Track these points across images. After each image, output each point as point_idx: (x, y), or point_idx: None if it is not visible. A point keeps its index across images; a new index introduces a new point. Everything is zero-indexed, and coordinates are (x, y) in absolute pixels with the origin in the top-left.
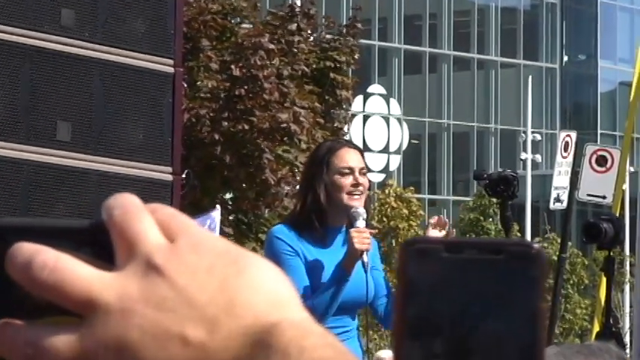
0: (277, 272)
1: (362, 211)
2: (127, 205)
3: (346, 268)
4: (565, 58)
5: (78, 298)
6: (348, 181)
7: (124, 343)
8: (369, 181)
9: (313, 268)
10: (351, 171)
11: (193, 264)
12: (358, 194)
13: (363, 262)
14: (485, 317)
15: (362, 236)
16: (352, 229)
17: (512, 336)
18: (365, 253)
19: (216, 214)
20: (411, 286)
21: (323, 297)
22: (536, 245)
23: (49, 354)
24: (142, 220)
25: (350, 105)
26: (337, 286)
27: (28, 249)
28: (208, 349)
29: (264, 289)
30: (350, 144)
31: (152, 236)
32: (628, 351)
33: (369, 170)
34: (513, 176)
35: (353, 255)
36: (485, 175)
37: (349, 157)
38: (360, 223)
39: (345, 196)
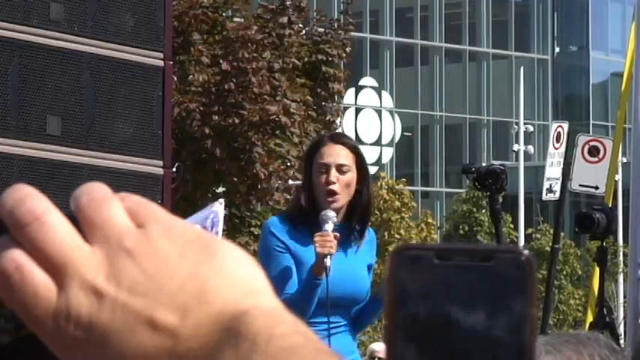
0: (248, 259)
1: (331, 214)
2: (94, 192)
3: (314, 272)
4: (557, 50)
5: (54, 259)
6: (322, 179)
7: (92, 322)
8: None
9: (301, 264)
10: (326, 168)
11: (164, 249)
12: (335, 195)
13: (325, 267)
14: (477, 323)
15: (325, 240)
16: (317, 233)
17: (503, 341)
18: (328, 257)
19: (219, 207)
20: (403, 292)
21: (297, 299)
22: (525, 252)
23: (28, 293)
24: (111, 206)
25: (342, 98)
26: (309, 289)
27: (23, 191)
28: (177, 334)
29: (235, 275)
30: (335, 138)
31: (121, 221)
32: (622, 341)
33: None
34: (501, 169)
35: (317, 259)
36: (473, 169)
37: (327, 153)
38: (329, 226)
39: (321, 197)
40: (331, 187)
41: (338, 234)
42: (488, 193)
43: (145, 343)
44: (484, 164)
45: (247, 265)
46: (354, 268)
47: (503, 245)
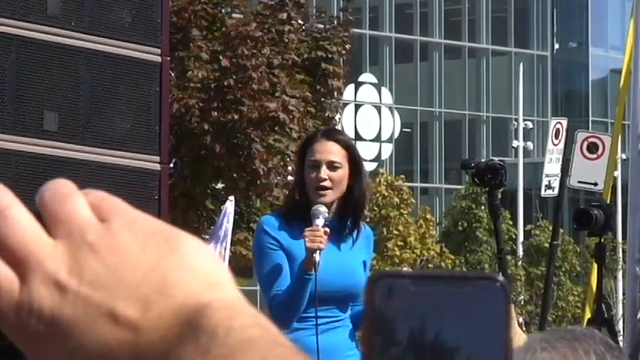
0: (210, 252)
1: (322, 209)
2: (58, 188)
3: (304, 267)
4: (556, 46)
5: (16, 253)
6: (313, 175)
7: (54, 315)
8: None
9: (296, 260)
10: (317, 164)
11: (125, 243)
12: (324, 190)
13: (314, 262)
14: (453, 349)
15: (314, 234)
16: (307, 228)
17: None
18: (318, 252)
19: (229, 204)
20: (379, 319)
21: (288, 294)
22: (500, 278)
23: None
24: (74, 201)
25: (341, 94)
26: (299, 284)
27: None
28: (139, 328)
29: (197, 268)
30: (327, 134)
31: (84, 215)
32: (621, 338)
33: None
34: (500, 165)
35: (307, 254)
36: (472, 165)
37: (318, 149)
38: (319, 221)
39: (313, 192)
40: (322, 183)
41: (328, 229)
42: (487, 189)
43: (106, 336)
44: (483, 160)
45: (209, 258)
46: (348, 262)
47: (479, 272)
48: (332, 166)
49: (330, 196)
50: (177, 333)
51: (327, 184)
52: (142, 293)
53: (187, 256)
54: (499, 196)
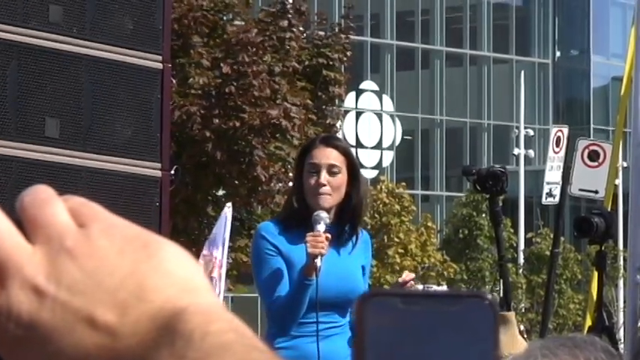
0: (188, 257)
1: (324, 215)
2: (37, 193)
3: (305, 273)
4: (557, 54)
5: None
6: (312, 180)
7: (35, 323)
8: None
9: (293, 266)
10: (317, 169)
11: (103, 248)
12: (322, 195)
13: (315, 267)
14: None
15: (316, 240)
16: (308, 234)
17: None
18: (319, 257)
19: (227, 211)
20: (369, 338)
21: (288, 300)
22: (489, 296)
23: None
24: (53, 206)
25: (342, 101)
26: (299, 290)
27: None
28: (117, 332)
29: (174, 274)
30: (326, 140)
31: (62, 221)
32: (621, 346)
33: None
34: (502, 172)
35: (308, 259)
36: (474, 171)
37: (317, 155)
38: (320, 227)
39: (313, 198)
40: (321, 188)
41: (329, 235)
42: (488, 196)
43: (84, 340)
44: (484, 167)
45: (186, 263)
46: (347, 267)
47: (467, 290)
48: (331, 170)
49: (329, 201)
50: (155, 337)
51: (326, 189)
52: (119, 298)
53: (165, 262)
54: (500, 203)
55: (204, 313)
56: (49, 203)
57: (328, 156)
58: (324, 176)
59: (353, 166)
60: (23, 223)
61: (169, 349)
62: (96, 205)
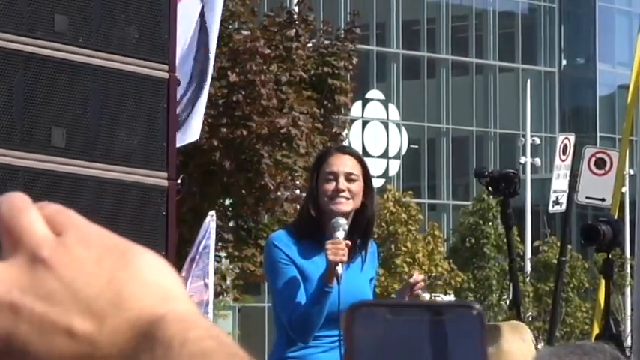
0: (165, 265)
1: (343, 221)
2: (13, 202)
3: (325, 280)
4: (564, 62)
5: None
6: (330, 186)
7: (12, 336)
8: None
9: (306, 278)
10: (335, 176)
11: (80, 257)
12: (341, 199)
13: (337, 274)
14: None
15: (337, 247)
16: (328, 241)
17: None
18: (340, 265)
19: (210, 220)
20: (358, 348)
21: (307, 308)
22: (477, 306)
23: None
24: (29, 215)
25: (349, 110)
26: (319, 298)
27: None
28: (95, 341)
29: (152, 281)
30: (342, 149)
31: (39, 230)
32: (628, 354)
33: None
34: (514, 174)
35: (329, 266)
36: (486, 173)
37: (335, 162)
38: (340, 234)
39: (327, 202)
40: (341, 194)
41: (349, 242)
42: (499, 198)
43: (64, 350)
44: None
45: (164, 271)
46: (357, 282)
47: (455, 301)
48: (349, 178)
49: (348, 205)
50: (135, 345)
51: (346, 194)
52: (97, 307)
53: (142, 270)
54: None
55: (182, 321)
56: (24, 213)
57: (346, 164)
58: (343, 182)
59: (368, 176)
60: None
61: (149, 356)
62: (72, 212)
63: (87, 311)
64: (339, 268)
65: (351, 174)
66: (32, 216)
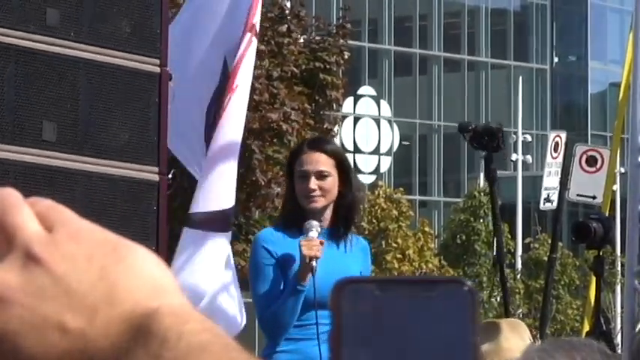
0: (157, 260)
1: (315, 223)
2: (4, 199)
3: (298, 279)
4: (555, 59)
5: None
6: (303, 186)
7: (2, 333)
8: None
9: (292, 265)
10: (306, 175)
11: (72, 253)
12: (314, 197)
13: (312, 268)
14: (421, 354)
15: (311, 243)
16: (302, 239)
17: None
18: (314, 260)
19: None
20: (346, 326)
21: (278, 308)
22: (468, 282)
23: None
24: (20, 212)
25: (340, 105)
26: (291, 297)
27: None
28: (88, 336)
29: (144, 276)
30: (313, 145)
31: (30, 227)
32: (619, 351)
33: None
34: (498, 128)
35: (302, 263)
36: (470, 128)
37: (305, 161)
38: (313, 234)
39: (304, 201)
40: (312, 193)
41: (323, 240)
42: (484, 154)
43: (56, 346)
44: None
45: (156, 266)
46: (344, 265)
47: (445, 276)
48: (320, 175)
49: (321, 202)
50: (129, 339)
51: (317, 192)
52: (89, 302)
53: (134, 265)
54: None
55: (177, 314)
56: (15, 210)
57: (317, 161)
58: (314, 181)
59: (343, 167)
60: None
61: (144, 350)
62: (64, 208)
63: (78, 307)
64: (314, 263)
65: (321, 172)
66: (24, 213)
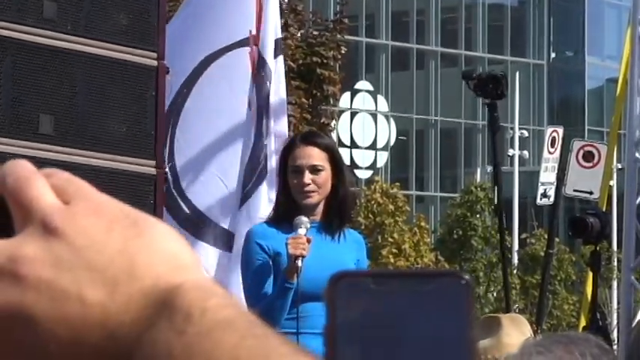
0: (177, 235)
1: (305, 219)
2: (19, 172)
3: (286, 276)
4: (552, 55)
5: None
6: (296, 180)
7: (18, 306)
8: (352, 176)
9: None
10: (300, 170)
11: (91, 225)
12: (310, 192)
13: (297, 268)
14: (417, 348)
15: (297, 242)
16: (289, 237)
17: None
18: (300, 259)
19: None
20: (341, 321)
21: (269, 304)
22: (465, 275)
23: None
24: (37, 184)
25: (337, 100)
26: (280, 294)
27: None
28: (108, 310)
29: (165, 251)
30: (306, 139)
31: (47, 199)
32: (615, 347)
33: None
34: (502, 75)
35: (289, 261)
36: (474, 75)
37: (298, 155)
38: (302, 230)
39: (298, 196)
40: (306, 188)
41: (311, 237)
42: (487, 101)
43: (75, 319)
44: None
45: (176, 241)
46: (337, 256)
47: (442, 269)
48: (314, 169)
49: (316, 197)
50: (150, 314)
51: (311, 187)
52: (109, 275)
53: (155, 240)
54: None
55: (199, 289)
56: (31, 183)
57: (310, 155)
58: (308, 176)
59: (336, 160)
60: (8, 205)
61: (167, 325)
62: (82, 181)
63: (98, 279)
64: (299, 262)
65: (315, 166)
66: (40, 185)
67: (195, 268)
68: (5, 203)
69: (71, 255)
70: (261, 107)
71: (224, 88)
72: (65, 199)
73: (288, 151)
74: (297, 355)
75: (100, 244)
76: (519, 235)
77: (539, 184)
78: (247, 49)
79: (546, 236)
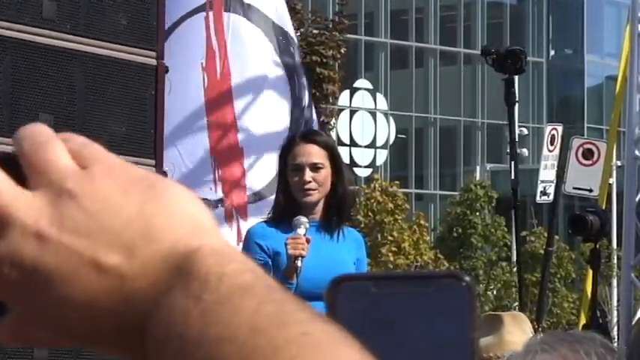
0: (195, 198)
1: (304, 219)
2: (36, 135)
3: (286, 275)
4: (552, 53)
5: None
6: (297, 179)
7: (36, 266)
8: (351, 174)
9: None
10: (300, 168)
11: (107, 189)
12: (311, 190)
13: (296, 268)
14: (418, 349)
15: (296, 242)
16: (288, 236)
17: None
18: (299, 259)
19: None
20: (341, 324)
21: None
22: (466, 277)
23: None
24: (53, 147)
25: (336, 99)
26: None
27: None
28: (125, 275)
29: (183, 214)
30: (306, 137)
31: (63, 163)
32: (615, 345)
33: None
34: (521, 50)
35: (289, 261)
36: (493, 51)
37: (299, 153)
38: (301, 231)
39: (299, 194)
40: (306, 185)
41: (310, 237)
42: (505, 76)
43: (91, 284)
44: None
45: (194, 203)
46: (336, 256)
47: (443, 271)
48: (315, 167)
49: (316, 195)
50: (167, 279)
51: (312, 185)
52: (126, 239)
53: (173, 202)
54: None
55: (217, 254)
56: (48, 146)
57: (310, 153)
58: (308, 173)
59: (335, 158)
60: (24, 168)
61: (184, 291)
62: (98, 145)
63: (115, 243)
64: (299, 262)
65: (315, 164)
66: (56, 148)
67: (214, 231)
68: (20, 165)
69: (87, 219)
70: (291, 71)
71: (180, 59)
72: (82, 162)
73: (287, 150)
74: (315, 321)
75: (117, 207)
76: (519, 233)
77: (539, 181)
78: (203, 14)
79: (546, 234)
